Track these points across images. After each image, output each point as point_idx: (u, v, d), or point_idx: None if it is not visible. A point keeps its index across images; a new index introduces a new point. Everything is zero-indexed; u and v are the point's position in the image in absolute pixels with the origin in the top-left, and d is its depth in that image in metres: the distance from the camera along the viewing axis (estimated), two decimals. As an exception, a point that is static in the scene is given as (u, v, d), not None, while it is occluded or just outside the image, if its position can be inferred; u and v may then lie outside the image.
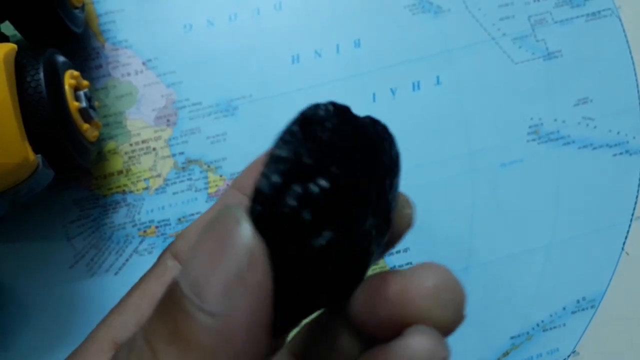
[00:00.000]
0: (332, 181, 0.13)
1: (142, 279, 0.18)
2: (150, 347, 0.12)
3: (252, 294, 0.12)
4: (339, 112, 0.15)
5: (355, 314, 0.15)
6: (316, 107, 0.15)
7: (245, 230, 0.12)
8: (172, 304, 0.12)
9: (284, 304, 0.13)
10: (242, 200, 0.16)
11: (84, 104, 0.33)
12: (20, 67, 0.29)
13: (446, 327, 0.14)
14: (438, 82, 0.38)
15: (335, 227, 0.13)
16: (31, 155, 0.28)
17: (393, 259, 0.36)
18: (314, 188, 0.13)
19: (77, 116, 0.32)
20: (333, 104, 0.15)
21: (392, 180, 0.17)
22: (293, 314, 0.14)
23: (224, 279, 0.12)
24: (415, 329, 0.14)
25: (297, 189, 0.13)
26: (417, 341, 0.14)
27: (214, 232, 0.12)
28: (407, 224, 0.17)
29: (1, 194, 0.29)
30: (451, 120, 0.38)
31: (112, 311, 0.17)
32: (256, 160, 0.18)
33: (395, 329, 0.14)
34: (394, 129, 0.37)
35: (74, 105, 0.32)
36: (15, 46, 0.30)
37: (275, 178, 0.13)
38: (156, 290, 0.17)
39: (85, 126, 0.33)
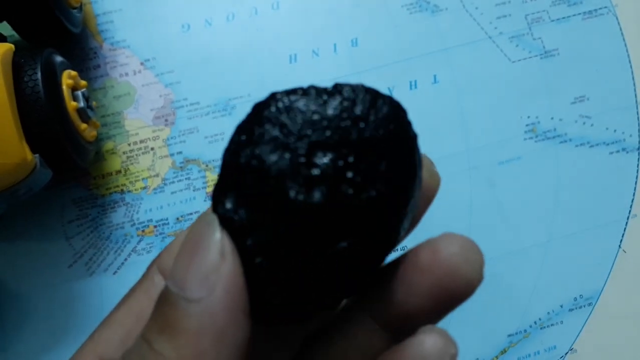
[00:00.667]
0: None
1: (129, 294, 0.18)
2: (145, 339, 0.14)
3: (226, 279, 0.14)
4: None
5: (389, 302, 0.16)
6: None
7: (216, 232, 0.14)
8: (162, 302, 0.14)
9: (259, 292, 0.15)
10: None
11: (81, 104, 0.33)
12: (18, 67, 0.30)
13: (472, 285, 0.16)
14: (435, 81, 0.38)
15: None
16: (29, 155, 0.29)
17: (392, 257, 0.36)
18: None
19: (74, 116, 0.32)
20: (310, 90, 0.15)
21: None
22: (270, 302, 0.15)
23: (201, 270, 0.14)
24: (427, 328, 0.15)
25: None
26: (429, 339, 0.15)
27: (191, 236, 0.14)
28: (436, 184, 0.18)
29: (1, 193, 0.29)
30: (449, 118, 0.38)
31: (99, 326, 0.18)
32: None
33: (431, 301, 0.16)
34: (391, 127, 0.37)
35: (71, 105, 0.32)
36: (12, 46, 0.30)
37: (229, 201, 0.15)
38: (143, 305, 0.17)
39: (83, 126, 0.33)
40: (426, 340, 0.15)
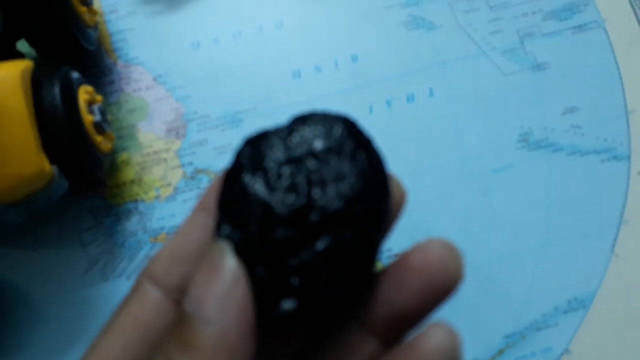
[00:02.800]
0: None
1: (123, 304, 0.19)
2: (164, 354, 0.16)
3: (239, 303, 0.15)
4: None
5: (380, 303, 0.18)
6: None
7: (230, 259, 0.16)
8: (180, 322, 0.16)
9: (266, 303, 0.16)
10: (207, 222, 0.19)
11: (97, 118, 0.35)
12: (37, 83, 0.32)
13: (457, 280, 0.18)
14: (431, 94, 0.40)
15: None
16: (47, 166, 0.30)
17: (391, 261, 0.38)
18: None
19: (91, 129, 0.34)
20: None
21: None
22: (275, 312, 0.17)
23: (217, 294, 0.15)
24: (435, 325, 0.17)
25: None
26: (437, 333, 0.17)
27: (206, 263, 0.16)
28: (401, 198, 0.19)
29: (18, 202, 0.31)
30: (444, 129, 0.39)
31: (98, 336, 0.19)
32: (216, 182, 0.19)
33: (421, 298, 0.17)
34: (389, 138, 0.39)
35: (88, 118, 0.34)
36: (31, 63, 0.32)
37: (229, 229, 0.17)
38: (138, 311, 0.18)
39: (99, 138, 0.35)
40: (436, 333, 0.17)
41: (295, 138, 0.17)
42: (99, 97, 0.36)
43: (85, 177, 0.34)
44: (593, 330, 0.37)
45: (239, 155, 0.18)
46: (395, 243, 0.38)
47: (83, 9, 0.37)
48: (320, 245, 0.16)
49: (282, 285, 0.16)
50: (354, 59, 0.41)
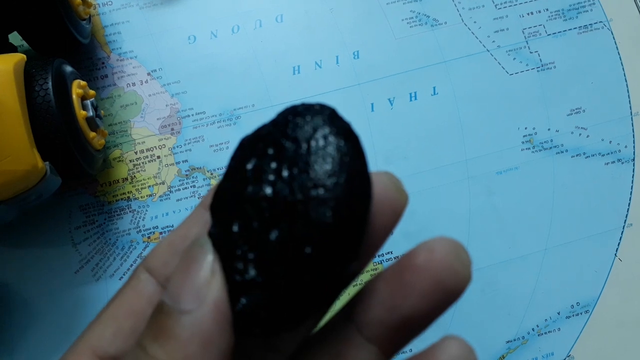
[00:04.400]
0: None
1: (118, 292, 0.19)
2: (140, 346, 0.16)
3: (214, 294, 0.15)
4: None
5: (383, 308, 0.17)
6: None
7: (208, 253, 0.16)
8: (157, 313, 0.16)
9: (244, 301, 0.16)
10: (208, 219, 0.18)
11: (90, 113, 0.34)
12: (30, 77, 0.31)
13: (465, 282, 0.17)
14: (434, 93, 0.39)
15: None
16: (40, 163, 0.29)
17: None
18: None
19: (84, 125, 0.33)
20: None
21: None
22: (254, 309, 0.16)
23: (194, 285, 0.15)
24: (449, 337, 0.16)
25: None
26: (452, 345, 0.16)
27: (186, 257, 0.16)
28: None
29: (11, 200, 0.30)
30: (447, 129, 0.39)
31: (91, 323, 0.19)
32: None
33: (428, 301, 0.16)
34: (391, 137, 0.38)
35: (81, 114, 0.33)
36: (24, 56, 0.31)
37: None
38: (132, 301, 0.19)
39: (92, 134, 0.34)
40: (451, 345, 0.16)
41: (275, 132, 0.17)
42: (92, 92, 0.35)
43: (77, 174, 0.33)
44: (596, 335, 0.37)
45: (230, 159, 0.18)
46: (397, 245, 0.37)
47: (77, 1, 0.35)
48: (273, 235, 0.16)
49: (242, 279, 0.16)
50: (356, 55, 0.40)
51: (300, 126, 0.17)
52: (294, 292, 0.16)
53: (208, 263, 0.16)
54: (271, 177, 0.16)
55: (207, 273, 0.16)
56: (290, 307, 0.16)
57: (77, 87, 0.33)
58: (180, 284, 0.16)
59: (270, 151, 0.17)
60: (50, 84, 0.30)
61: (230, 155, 0.18)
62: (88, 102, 0.34)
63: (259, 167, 0.16)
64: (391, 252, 0.37)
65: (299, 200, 0.16)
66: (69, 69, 0.34)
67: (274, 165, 0.16)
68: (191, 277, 0.16)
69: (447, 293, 0.16)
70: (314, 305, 0.16)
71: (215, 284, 0.16)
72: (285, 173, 0.16)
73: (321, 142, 0.16)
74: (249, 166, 0.17)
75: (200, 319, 0.15)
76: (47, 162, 0.30)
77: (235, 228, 0.16)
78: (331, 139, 0.17)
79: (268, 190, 0.16)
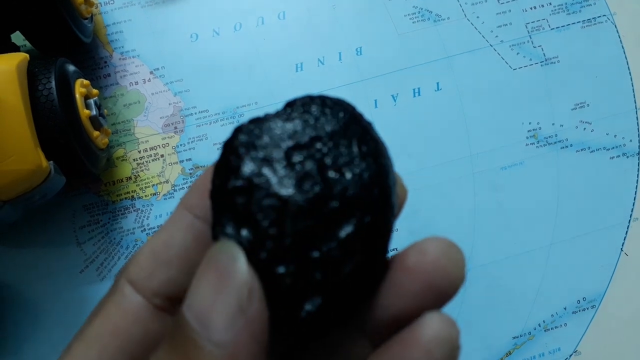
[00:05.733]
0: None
1: (99, 308, 0.17)
2: None
3: (253, 323, 0.13)
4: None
5: (376, 306, 0.16)
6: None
7: (242, 266, 0.14)
8: (180, 335, 0.14)
9: (287, 305, 0.15)
10: (193, 222, 0.17)
11: (94, 112, 0.33)
12: (33, 76, 0.30)
13: (457, 284, 0.16)
14: (438, 88, 0.39)
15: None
16: (44, 162, 0.29)
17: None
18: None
19: (87, 124, 0.33)
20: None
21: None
22: (299, 312, 0.15)
23: (227, 310, 0.13)
24: (430, 313, 0.15)
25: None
26: (433, 321, 0.15)
27: (213, 268, 0.14)
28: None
29: (15, 199, 0.30)
30: (452, 124, 0.39)
31: (73, 341, 0.17)
32: (202, 178, 0.18)
33: (418, 302, 0.16)
34: (395, 134, 0.38)
35: (84, 113, 0.33)
36: (27, 55, 0.31)
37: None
38: (116, 319, 0.17)
39: (96, 133, 0.33)
40: (432, 321, 0.15)
41: (298, 122, 0.16)
42: (95, 91, 0.35)
43: (81, 173, 0.33)
44: (602, 330, 0.37)
45: (234, 145, 0.16)
46: (402, 242, 0.36)
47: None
48: (343, 233, 0.15)
49: (306, 283, 0.15)
50: (359, 51, 0.40)
51: (330, 124, 0.16)
52: (353, 288, 0.15)
53: (243, 281, 0.14)
54: (300, 175, 0.15)
55: (243, 294, 0.14)
56: (351, 302, 0.15)
57: (80, 86, 0.33)
58: (209, 304, 0.13)
59: (294, 147, 0.16)
60: (53, 83, 0.30)
61: (233, 143, 0.16)
62: (91, 101, 0.34)
63: (285, 165, 0.16)
64: (396, 249, 0.37)
65: (336, 208, 0.15)
66: (71, 68, 0.33)
67: (305, 165, 0.16)
68: (224, 298, 0.13)
69: (438, 294, 0.16)
70: (368, 295, 0.16)
71: (252, 308, 0.14)
72: (318, 175, 0.15)
73: (359, 148, 0.16)
74: (294, 157, 0.16)
75: (235, 354, 0.13)
76: (51, 162, 0.30)
77: (267, 224, 0.15)
78: (364, 147, 0.16)
79: (309, 188, 0.15)
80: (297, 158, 0.16)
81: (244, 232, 0.15)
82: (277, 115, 0.16)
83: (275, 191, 0.15)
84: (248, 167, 0.15)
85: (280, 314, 0.15)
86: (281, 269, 0.15)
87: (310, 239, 0.15)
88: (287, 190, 0.15)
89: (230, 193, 0.15)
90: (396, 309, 0.16)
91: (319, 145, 0.16)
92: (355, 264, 0.15)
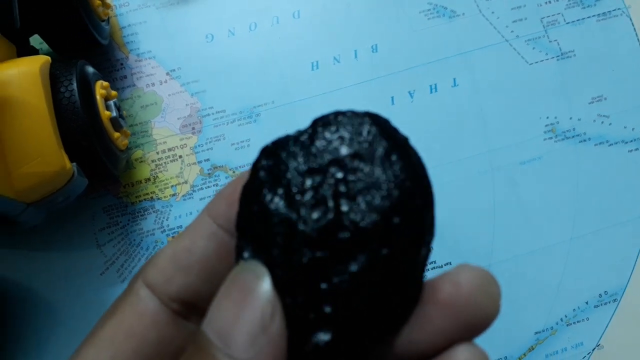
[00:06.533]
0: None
1: (114, 310, 0.17)
2: None
3: (274, 343, 0.13)
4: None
5: (400, 342, 0.15)
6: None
7: (266, 285, 0.14)
8: (199, 351, 0.14)
9: (301, 335, 0.14)
10: (216, 231, 0.17)
11: (114, 114, 0.34)
12: (54, 78, 0.30)
13: (491, 319, 0.15)
14: (455, 84, 0.39)
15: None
16: (68, 164, 0.29)
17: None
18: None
19: (108, 125, 0.33)
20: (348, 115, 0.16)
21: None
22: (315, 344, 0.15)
23: (249, 328, 0.13)
24: (461, 344, 0.15)
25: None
26: (463, 353, 0.15)
27: (237, 286, 0.14)
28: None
29: (39, 201, 0.30)
30: (469, 120, 0.38)
31: (84, 343, 0.17)
32: (228, 187, 0.18)
33: (448, 338, 0.15)
34: (413, 130, 0.38)
35: (105, 114, 0.33)
36: (49, 58, 0.31)
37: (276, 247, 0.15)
38: (131, 321, 0.17)
39: (116, 135, 0.33)
40: (462, 353, 0.15)
41: (318, 144, 0.15)
42: (114, 93, 0.35)
43: (102, 175, 0.33)
44: (625, 323, 0.37)
45: (257, 168, 0.16)
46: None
47: (97, 2, 0.35)
48: (355, 266, 0.14)
49: (314, 315, 0.14)
50: (374, 49, 0.40)
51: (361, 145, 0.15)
52: (368, 323, 0.14)
53: (268, 299, 0.14)
54: (330, 199, 0.15)
55: (268, 313, 0.13)
56: (367, 337, 0.14)
57: (100, 88, 0.33)
58: (232, 321, 0.13)
59: (321, 171, 0.15)
60: (75, 85, 0.30)
61: (257, 166, 0.16)
62: (111, 102, 0.34)
63: (300, 182, 0.15)
64: (416, 246, 0.37)
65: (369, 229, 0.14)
66: (91, 70, 0.33)
67: (320, 191, 0.15)
68: (247, 315, 0.13)
69: (471, 330, 0.15)
70: (390, 330, 0.15)
71: (275, 328, 0.13)
72: (334, 189, 0.15)
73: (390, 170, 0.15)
74: (308, 182, 0.15)
75: None
76: (74, 163, 0.30)
77: (277, 252, 0.15)
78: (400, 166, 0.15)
79: (320, 217, 0.15)
80: (311, 183, 0.15)
81: (259, 259, 0.15)
82: (301, 134, 0.16)
83: (286, 218, 0.15)
84: (265, 192, 0.15)
85: (289, 344, 0.14)
86: (288, 300, 0.14)
87: (320, 270, 0.14)
88: (297, 218, 0.15)
89: (249, 217, 0.15)
90: (423, 344, 0.15)
91: (335, 169, 0.15)
92: (370, 298, 0.14)
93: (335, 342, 0.14)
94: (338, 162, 0.15)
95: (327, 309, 0.14)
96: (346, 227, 0.14)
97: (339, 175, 0.15)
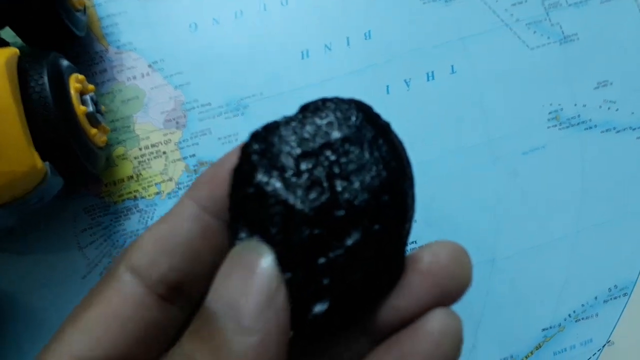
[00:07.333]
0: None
1: (96, 292, 0.17)
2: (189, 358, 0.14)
3: (280, 313, 0.14)
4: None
5: (383, 308, 0.17)
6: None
7: (270, 261, 0.15)
8: (207, 324, 0.14)
9: (299, 307, 0.15)
10: (199, 213, 0.17)
11: (90, 109, 0.32)
12: (24, 72, 0.28)
13: (465, 288, 0.16)
14: (453, 71, 0.37)
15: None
16: (39, 163, 0.27)
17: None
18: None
19: (84, 121, 0.31)
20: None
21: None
22: (310, 314, 0.16)
23: (257, 300, 0.14)
24: (437, 309, 0.16)
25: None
26: (439, 315, 0.16)
27: (241, 263, 0.15)
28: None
29: (9, 204, 0.28)
30: (468, 109, 0.37)
31: (66, 324, 0.17)
32: (210, 170, 0.18)
33: (427, 304, 0.16)
34: (410, 120, 0.36)
35: (80, 109, 0.31)
36: (17, 50, 0.29)
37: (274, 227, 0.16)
38: (116, 305, 0.16)
39: (93, 131, 0.31)
40: (437, 315, 0.16)
41: (309, 129, 0.17)
42: (91, 87, 0.33)
43: (80, 173, 0.31)
44: (636, 318, 0.35)
45: (248, 152, 0.16)
46: (419, 234, 0.35)
47: (71, -11, 0.33)
48: (350, 241, 0.15)
49: (314, 288, 0.15)
50: (368, 35, 0.38)
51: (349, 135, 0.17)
52: (362, 293, 0.16)
53: (272, 274, 0.15)
54: (324, 182, 0.16)
55: (273, 286, 0.14)
56: (360, 306, 0.16)
57: (75, 82, 0.31)
58: (240, 295, 0.14)
59: (315, 153, 0.16)
60: (45, 78, 0.28)
61: (247, 150, 0.16)
62: (87, 96, 0.32)
63: (294, 173, 0.16)
64: (415, 242, 0.35)
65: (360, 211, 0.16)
66: (65, 62, 0.31)
67: (314, 173, 0.16)
68: (255, 289, 0.14)
69: (446, 297, 0.16)
70: (378, 299, 0.16)
71: (279, 300, 0.14)
72: (327, 170, 0.16)
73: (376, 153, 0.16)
74: (303, 165, 0.16)
75: (265, 340, 0.14)
76: (47, 162, 0.28)
77: (275, 231, 0.16)
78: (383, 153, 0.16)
79: (316, 197, 0.16)
80: (306, 166, 0.16)
81: (256, 238, 0.16)
82: (291, 120, 0.17)
83: (283, 199, 0.16)
84: (259, 175, 0.16)
85: (291, 316, 0.15)
86: (288, 275, 0.15)
87: (318, 246, 0.15)
88: (294, 199, 0.16)
89: (243, 199, 0.16)
90: (404, 311, 0.16)
91: (328, 152, 0.16)
92: (363, 270, 0.15)
93: (332, 311, 0.15)
94: (330, 145, 0.16)
95: (325, 281, 0.15)
96: (341, 206, 0.16)
97: (333, 157, 0.16)
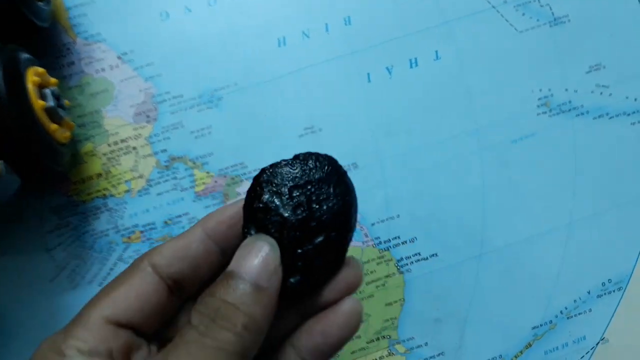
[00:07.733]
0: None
1: (124, 277, 0.23)
2: (222, 301, 0.21)
3: (279, 280, 0.22)
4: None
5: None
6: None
7: (275, 246, 0.22)
8: (227, 281, 0.21)
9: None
10: (206, 240, 0.24)
11: (50, 103, 0.30)
12: (-24, 66, 0.27)
13: (360, 282, 0.24)
14: (437, 57, 0.35)
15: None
16: (-9, 161, 0.26)
17: (400, 251, 0.33)
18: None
19: (43, 116, 0.29)
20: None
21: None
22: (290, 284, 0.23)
23: (270, 268, 0.21)
24: (348, 297, 0.24)
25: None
26: (349, 301, 0.23)
27: (255, 246, 0.22)
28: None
29: (-38, 206, 0.26)
30: (454, 96, 0.35)
31: (97, 298, 0.22)
32: (219, 210, 0.25)
33: (344, 293, 0.24)
34: (392, 109, 0.34)
35: (38, 104, 0.29)
36: (-32, 43, 0.27)
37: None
38: (140, 288, 0.22)
39: (54, 127, 0.30)
40: (348, 301, 0.23)
41: (298, 171, 0.24)
42: (53, 80, 0.31)
43: (40, 171, 0.29)
44: (632, 314, 0.34)
45: (260, 181, 0.24)
46: (404, 230, 0.33)
47: (28, -23, 0.32)
48: (317, 241, 0.23)
49: (292, 267, 0.23)
50: (347, 21, 0.36)
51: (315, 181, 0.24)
52: (319, 273, 0.23)
53: (276, 255, 0.22)
54: (299, 207, 0.23)
55: (277, 262, 0.22)
56: (317, 281, 0.23)
57: (34, 75, 0.29)
58: (256, 264, 0.21)
59: (295, 192, 0.24)
60: (-1, 72, 0.27)
61: (259, 179, 0.24)
62: (47, 90, 0.30)
63: (287, 197, 0.24)
64: (398, 237, 0.34)
65: (316, 226, 0.23)
66: (24, 55, 0.30)
67: (299, 198, 0.24)
68: (267, 261, 0.21)
69: (353, 289, 0.24)
70: (329, 278, 0.24)
71: (279, 271, 0.22)
72: (308, 198, 0.24)
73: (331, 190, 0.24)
74: (294, 193, 0.24)
75: (271, 294, 0.21)
76: (1, 161, 0.26)
77: (273, 231, 0.23)
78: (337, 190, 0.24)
79: (300, 213, 0.23)
80: (295, 193, 0.24)
81: (262, 234, 0.23)
82: (287, 163, 0.24)
83: (280, 213, 0.23)
84: (266, 196, 0.24)
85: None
86: (292, 261, 0.23)
87: (298, 242, 0.23)
88: (286, 213, 0.23)
89: (254, 210, 0.23)
90: (331, 295, 0.23)
91: (309, 186, 0.24)
92: (323, 258, 0.23)
93: (301, 282, 0.23)
94: (311, 182, 0.24)
95: (299, 264, 0.23)
96: (314, 220, 0.23)
97: (312, 190, 0.24)
